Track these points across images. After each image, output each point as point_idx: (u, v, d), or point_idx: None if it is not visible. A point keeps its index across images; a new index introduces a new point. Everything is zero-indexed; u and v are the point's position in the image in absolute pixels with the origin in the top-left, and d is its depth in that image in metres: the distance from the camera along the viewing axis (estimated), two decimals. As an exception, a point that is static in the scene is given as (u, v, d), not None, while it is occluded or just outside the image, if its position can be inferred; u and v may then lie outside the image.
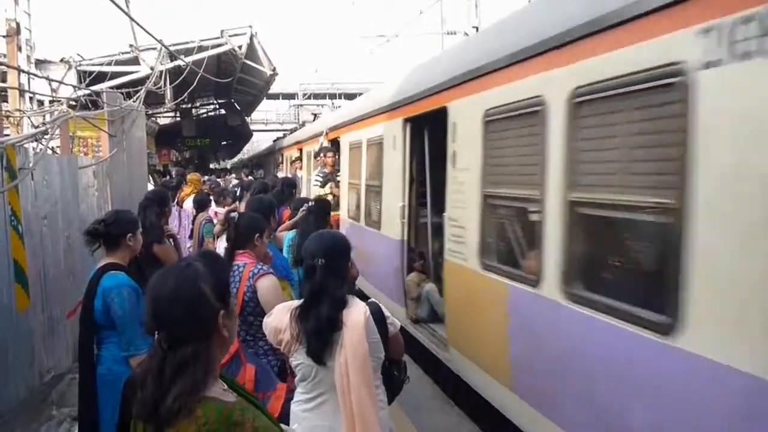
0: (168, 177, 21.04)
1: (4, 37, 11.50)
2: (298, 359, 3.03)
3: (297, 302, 3.14)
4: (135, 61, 16.56)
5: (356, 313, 3.00)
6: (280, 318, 3.10)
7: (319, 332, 2.95)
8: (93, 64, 16.20)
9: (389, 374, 3.24)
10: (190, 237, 8.54)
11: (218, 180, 17.11)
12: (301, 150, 16.50)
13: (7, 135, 7.92)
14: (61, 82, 12.29)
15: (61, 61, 15.53)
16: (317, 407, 3.03)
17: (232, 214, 4.48)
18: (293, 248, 5.67)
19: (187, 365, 1.75)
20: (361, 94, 17.84)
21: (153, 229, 5.19)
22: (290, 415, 3.12)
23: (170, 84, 17.47)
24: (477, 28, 15.25)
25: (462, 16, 16.15)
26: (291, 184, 8.42)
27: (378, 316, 3.07)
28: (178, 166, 31.12)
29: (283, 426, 2.06)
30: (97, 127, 10.27)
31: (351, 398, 2.90)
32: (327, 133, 12.34)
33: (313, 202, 5.92)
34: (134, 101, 11.87)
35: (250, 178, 18.16)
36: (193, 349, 1.76)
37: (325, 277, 3.00)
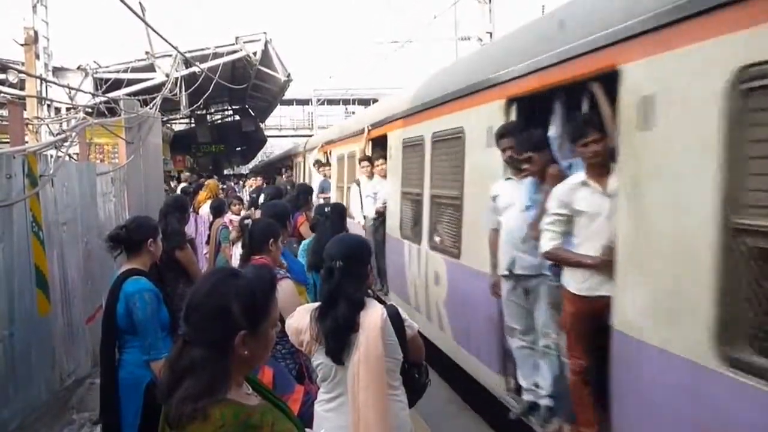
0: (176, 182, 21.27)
1: (22, 45, 11.66)
2: (319, 359, 3.09)
3: (317, 304, 3.19)
4: (150, 68, 16.69)
5: (373, 315, 3.04)
6: (300, 319, 3.15)
7: (336, 333, 3.00)
8: (109, 72, 16.36)
9: (409, 376, 3.27)
10: (207, 242, 8.58)
11: (234, 186, 17.19)
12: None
13: (26, 142, 8.01)
14: (79, 90, 12.45)
15: (78, 68, 15.70)
16: (338, 407, 3.08)
17: (246, 221, 4.51)
18: (309, 253, 5.68)
19: (194, 368, 1.77)
20: (375, 100, 17.65)
21: (175, 235, 5.23)
22: (314, 415, 3.17)
23: (185, 90, 17.63)
24: (491, 34, 15.24)
25: (476, 21, 16.13)
26: (307, 191, 8.41)
27: (395, 319, 3.11)
28: (193, 172, 31.31)
29: (306, 430, 2.08)
30: (115, 134, 10.38)
31: (359, 398, 2.94)
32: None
33: (330, 208, 5.91)
34: (150, 108, 11.99)
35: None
36: (202, 355, 1.78)
37: (343, 279, 3.05)
